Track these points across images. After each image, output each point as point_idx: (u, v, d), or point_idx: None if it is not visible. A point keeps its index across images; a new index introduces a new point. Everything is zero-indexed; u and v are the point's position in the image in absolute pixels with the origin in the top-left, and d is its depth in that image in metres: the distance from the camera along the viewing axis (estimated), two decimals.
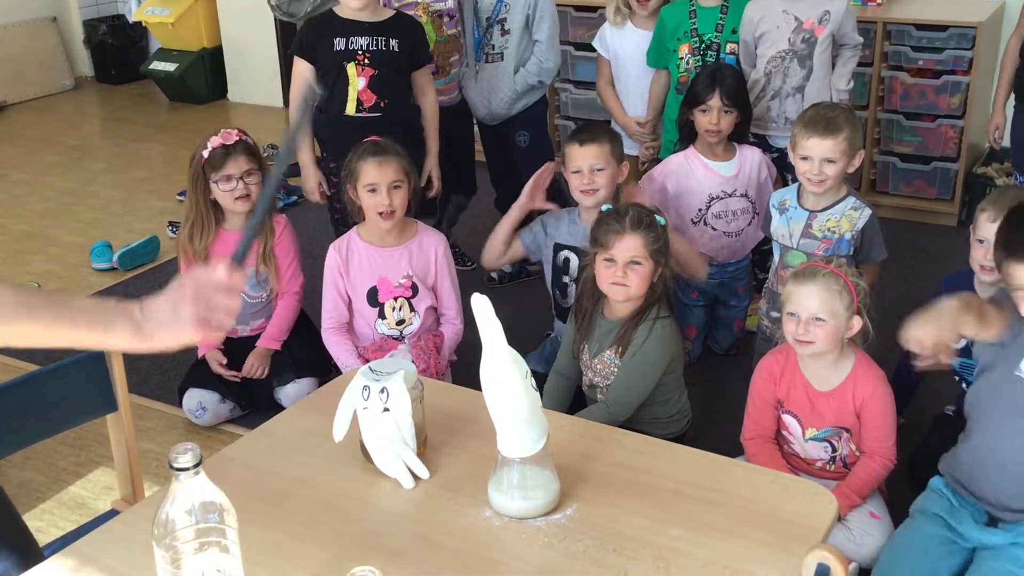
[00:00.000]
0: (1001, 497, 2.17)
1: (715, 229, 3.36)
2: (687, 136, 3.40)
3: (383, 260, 2.97)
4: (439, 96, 3.63)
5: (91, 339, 1.38)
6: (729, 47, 3.59)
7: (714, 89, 3.25)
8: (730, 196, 3.34)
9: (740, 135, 3.38)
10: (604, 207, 2.81)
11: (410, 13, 3.53)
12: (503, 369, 1.51)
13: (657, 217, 2.68)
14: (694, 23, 3.60)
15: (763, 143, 3.56)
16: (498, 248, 3.21)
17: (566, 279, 3.14)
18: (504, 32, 3.67)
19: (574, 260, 3.09)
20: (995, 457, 2.17)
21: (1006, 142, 3.89)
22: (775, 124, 3.54)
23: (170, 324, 1.38)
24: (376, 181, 2.86)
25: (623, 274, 2.59)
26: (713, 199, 3.33)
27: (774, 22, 3.49)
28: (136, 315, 1.38)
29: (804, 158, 2.81)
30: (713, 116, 3.26)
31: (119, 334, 1.37)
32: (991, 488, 2.18)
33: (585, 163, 3.02)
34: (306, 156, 3.44)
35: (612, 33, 3.82)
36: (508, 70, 3.70)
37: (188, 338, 1.40)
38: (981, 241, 2.62)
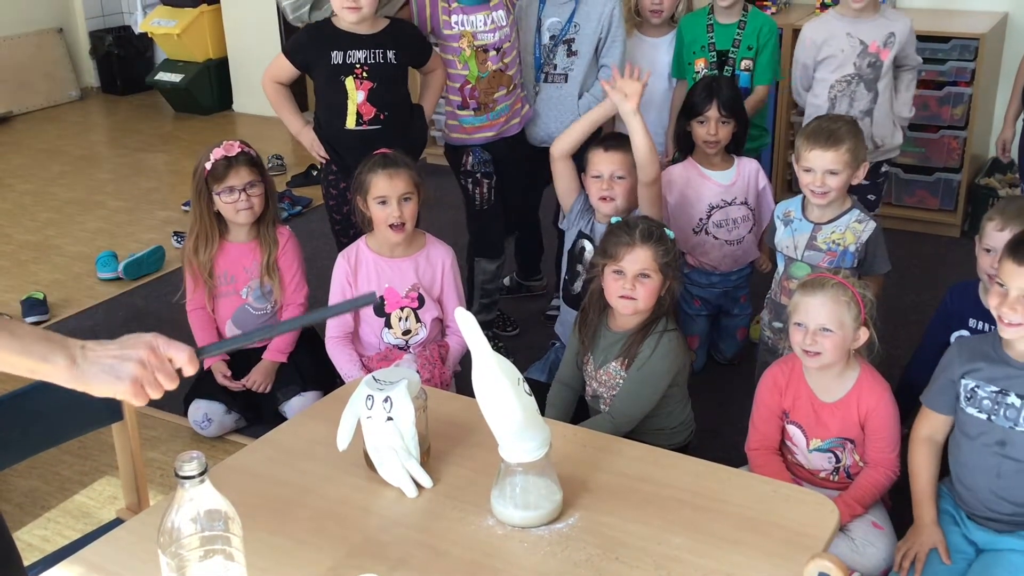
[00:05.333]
0: (979, 512, 2.24)
1: (717, 238, 3.37)
2: (684, 147, 3.41)
3: (390, 270, 2.97)
4: (478, 133, 3.51)
5: (23, 366, 1.36)
6: (744, 63, 3.60)
7: (711, 100, 3.25)
8: (730, 204, 3.35)
9: (737, 146, 3.38)
10: (613, 219, 2.82)
11: (455, 45, 3.41)
12: (492, 376, 1.52)
13: (666, 231, 2.68)
14: (711, 37, 3.62)
15: None
16: (573, 144, 3.10)
17: (579, 267, 3.15)
18: (571, 53, 3.49)
19: (589, 249, 3.10)
20: (965, 478, 2.25)
21: (1014, 154, 3.90)
22: None
23: (108, 375, 1.37)
24: (386, 193, 2.87)
25: (632, 287, 2.59)
26: (713, 208, 3.34)
27: (838, 45, 3.45)
28: (76, 354, 1.37)
29: (807, 170, 2.81)
30: (711, 127, 3.27)
31: (54, 368, 1.36)
32: (970, 502, 2.25)
33: (607, 169, 3.01)
34: (296, 124, 3.40)
35: None
36: (572, 93, 3.51)
37: (120, 395, 1.39)
38: (988, 250, 2.63)
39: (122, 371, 1.37)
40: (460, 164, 3.57)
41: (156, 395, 1.41)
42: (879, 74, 3.47)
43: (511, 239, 3.90)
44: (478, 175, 3.55)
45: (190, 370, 1.44)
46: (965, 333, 2.71)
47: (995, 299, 2.10)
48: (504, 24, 3.43)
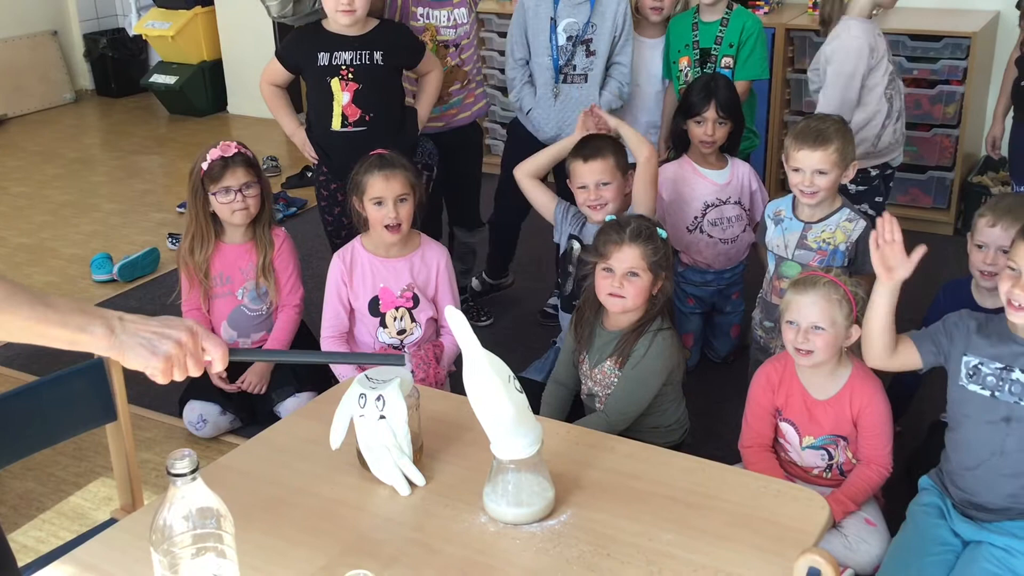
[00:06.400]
0: (976, 497, 2.23)
1: (711, 236, 3.38)
2: (679, 145, 3.42)
3: (385, 270, 2.98)
4: (432, 123, 3.59)
5: (63, 337, 1.39)
6: (725, 61, 3.61)
7: (709, 101, 3.27)
8: (724, 203, 3.37)
9: (732, 146, 3.39)
10: (608, 217, 2.83)
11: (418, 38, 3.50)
12: (483, 374, 1.53)
13: (659, 230, 2.69)
14: (695, 36, 3.62)
15: (886, 168, 3.40)
16: (537, 168, 3.21)
17: (569, 268, 3.16)
18: (589, 53, 3.52)
19: (577, 248, 3.13)
20: (966, 459, 2.24)
21: (1005, 152, 3.91)
22: (898, 144, 3.45)
23: (144, 348, 1.42)
24: (382, 195, 2.88)
25: (620, 285, 2.60)
26: (708, 206, 3.36)
27: (883, 46, 3.36)
28: (115, 325, 1.41)
29: (796, 170, 2.83)
30: (708, 127, 3.29)
31: (92, 338, 1.40)
32: (968, 486, 2.24)
33: (591, 179, 3.02)
34: (290, 126, 3.44)
35: None
36: (593, 93, 3.54)
37: (151, 369, 1.44)
38: (980, 246, 2.64)
39: (159, 347, 1.42)
40: (414, 153, 3.62)
41: (180, 377, 1.47)
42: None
43: (479, 234, 3.94)
44: (418, 165, 3.60)
45: (219, 366, 1.51)
46: None
47: (1006, 283, 2.07)
48: (464, 22, 3.57)
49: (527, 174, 3.22)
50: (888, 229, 2.18)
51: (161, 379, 1.45)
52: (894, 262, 2.16)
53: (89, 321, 1.40)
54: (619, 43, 3.55)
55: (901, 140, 3.47)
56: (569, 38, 3.52)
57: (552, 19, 3.52)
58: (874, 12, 3.37)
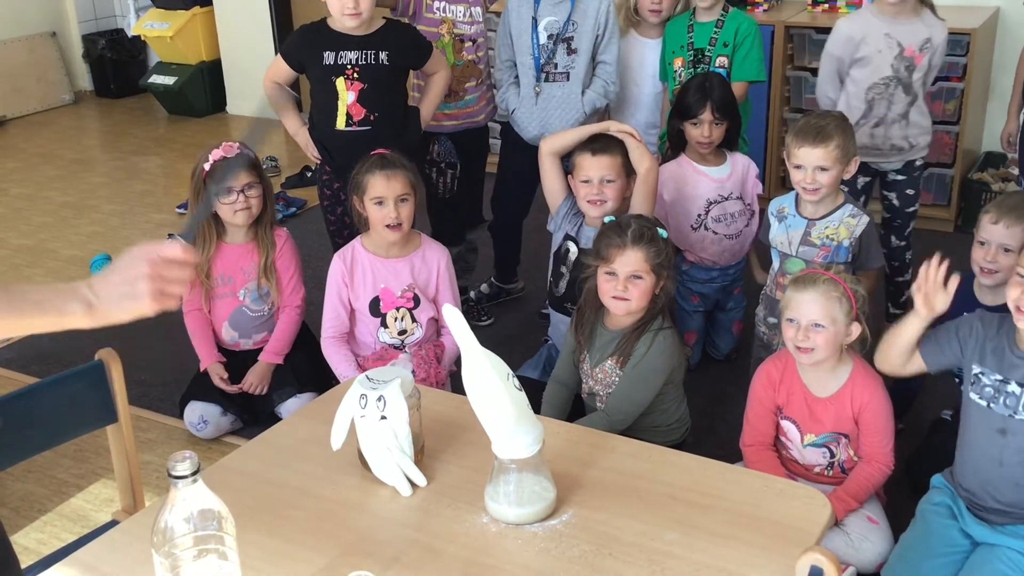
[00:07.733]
0: (981, 502, 2.23)
1: (716, 233, 3.37)
2: (676, 146, 3.41)
3: (386, 271, 2.98)
4: (447, 120, 3.63)
5: (45, 324, 1.38)
6: (719, 60, 3.60)
7: (705, 102, 3.25)
8: (727, 199, 3.36)
9: (730, 143, 3.39)
10: (607, 218, 2.82)
11: (434, 30, 3.52)
12: (482, 373, 1.53)
13: (659, 230, 2.68)
14: (691, 37, 3.62)
15: (864, 168, 3.37)
16: (563, 145, 3.14)
17: (563, 268, 3.15)
18: (571, 51, 3.49)
19: (573, 251, 3.11)
20: (970, 465, 2.24)
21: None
22: (879, 151, 3.44)
23: (127, 300, 1.41)
24: (384, 194, 2.88)
25: (624, 288, 2.60)
26: (711, 203, 3.35)
27: (876, 46, 3.36)
28: (86, 294, 1.40)
29: (797, 167, 2.82)
30: (704, 129, 3.28)
31: (72, 316, 1.39)
32: (973, 491, 2.24)
33: (596, 173, 3.01)
34: (293, 124, 3.44)
35: None
36: (575, 91, 3.52)
37: (144, 311, 1.42)
38: (983, 243, 2.64)
39: (137, 291, 1.41)
40: (426, 152, 3.65)
41: (180, 290, 1.45)
42: (914, 77, 3.40)
43: (480, 231, 3.94)
44: (442, 164, 3.66)
45: (191, 257, 1.46)
46: None
47: (1015, 290, 2.06)
48: (480, 20, 3.62)
49: (552, 150, 3.15)
50: (934, 273, 2.19)
51: (169, 305, 1.43)
52: (935, 300, 2.19)
53: (64, 302, 1.38)
54: (603, 42, 3.53)
55: (887, 151, 3.44)
56: (550, 36, 3.52)
57: (533, 18, 3.52)
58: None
